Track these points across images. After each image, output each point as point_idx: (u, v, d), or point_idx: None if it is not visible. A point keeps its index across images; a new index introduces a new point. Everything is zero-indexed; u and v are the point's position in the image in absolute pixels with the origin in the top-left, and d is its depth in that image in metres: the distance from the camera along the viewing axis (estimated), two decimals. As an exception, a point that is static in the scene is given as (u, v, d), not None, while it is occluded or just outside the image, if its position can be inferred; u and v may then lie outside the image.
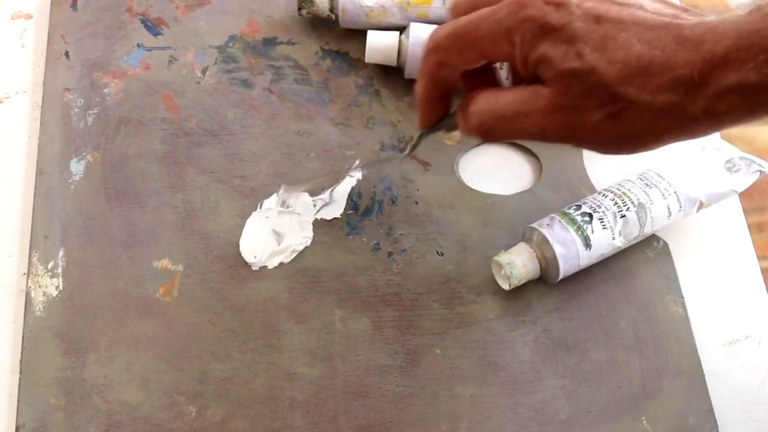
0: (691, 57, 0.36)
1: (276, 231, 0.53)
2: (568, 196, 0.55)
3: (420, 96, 0.44)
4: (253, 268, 0.51)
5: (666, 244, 0.54)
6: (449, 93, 0.44)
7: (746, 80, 0.35)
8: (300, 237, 0.52)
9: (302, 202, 0.54)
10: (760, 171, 0.54)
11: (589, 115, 0.38)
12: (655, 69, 0.36)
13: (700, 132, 0.38)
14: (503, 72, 0.49)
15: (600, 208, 0.51)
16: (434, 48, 0.41)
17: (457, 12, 0.42)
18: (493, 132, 0.41)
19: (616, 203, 0.51)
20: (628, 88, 0.37)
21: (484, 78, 0.44)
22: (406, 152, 0.50)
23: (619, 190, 0.52)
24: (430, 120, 0.45)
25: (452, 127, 0.45)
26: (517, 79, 0.43)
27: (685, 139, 0.39)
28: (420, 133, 0.48)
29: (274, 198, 0.54)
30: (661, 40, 0.36)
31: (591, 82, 0.37)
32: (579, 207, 0.51)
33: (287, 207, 0.53)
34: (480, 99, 0.41)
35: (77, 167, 0.54)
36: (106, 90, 0.57)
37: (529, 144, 0.57)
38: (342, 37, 0.61)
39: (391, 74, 0.59)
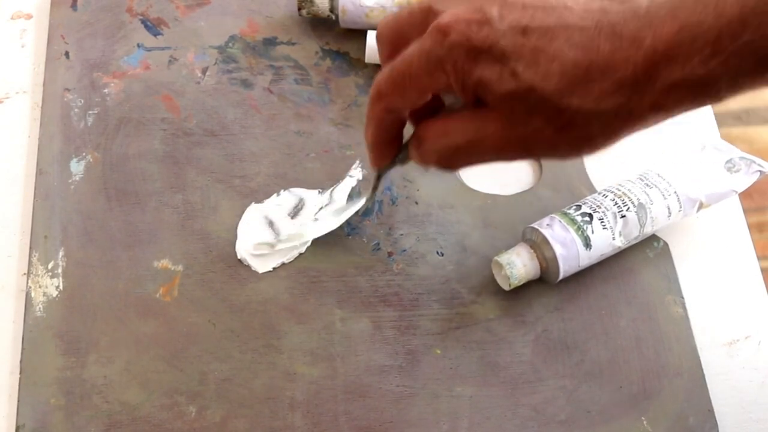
0: (630, 56, 0.34)
1: (272, 225, 0.53)
2: (568, 196, 0.55)
3: (371, 142, 0.43)
4: (253, 269, 0.51)
5: (666, 244, 0.54)
6: (399, 133, 0.43)
7: (692, 75, 0.34)
8: (296, 231, 0.52)
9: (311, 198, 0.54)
10: (760, 171, 0.54)
11: (540, 131, 0.37)
12: (595, 75, 0.35)
13: (653, 123, 0.37)
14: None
15: (600, 208, 0.51)
16: (377, 96, 0.40)
17: (382, 39, 0.41)
18: (452, 164, 0.41)
19: (616, 203, 0.51)
20: (570, 99, 0.35)
21: (427, 104, 0.43)
22: (370, 197, 0.49)
23: (619, 190, 0.52)
24: (385, 161, 0.45)
25: (407, 159, 0.44)
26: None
27: (641, 130, 0.37)
28: (378, 174, 0.47)
29: (273, 198, 0.54)
30: (594, 42, 0.35)
31: (532, 100, 0.36)
32: (579, 207, 0.52)
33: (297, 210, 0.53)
34: (430, 134, 0.40)
35: (77, 167, 0.54)
36: (106, 90, 0.57)
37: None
38: (342, 37, 0.61)
39: (391, 74, 0.59)
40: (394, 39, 0.40)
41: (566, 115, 0.36)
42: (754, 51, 0.33)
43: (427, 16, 0.38)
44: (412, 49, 0.38)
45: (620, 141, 0.38)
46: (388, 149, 0.44)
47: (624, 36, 0.34)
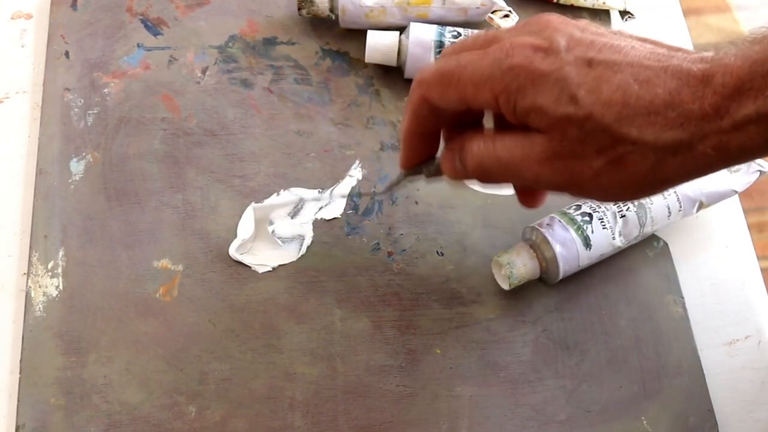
0: (698, 92, 0.34)
1: (272, 225, 0.53)
2: (568, 196, 0.55)
3: (404, 129, 0.43)
4: (253, 269, 0.51)
5: (666, 244, 0.54)
6: (434, 134, 0.43)
7: (765, 108, 0.33)
8: (296, 232, 0.52)
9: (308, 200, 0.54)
10: (760, 171, 0.54)
11: (588, 162, 0.36)
12: (659, 107, 0.34)
13: (707, 171, 0.36)
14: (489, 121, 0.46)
15: (600, 207, 0.51)
16: (419, 82, 0.40)
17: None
18: (489, 173, 0.40)
19: (616, 203, 0.51)
20: (629, 128, 0.35)
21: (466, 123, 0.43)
22: (383, 191, 0.49)
23: (619, 190, 0.52)
24: (413, 159, 0.44)
25: (435, 173, 0.44)
26: (504, 127, 0.42)
27: (690, 180, 0.37)
28: (400, 174, 0.46)
29: (273, 198, 0.54)
30: (661, 78, 0.35)
31: (588, 127, 0.35)
32: (579, 207, 0.51)
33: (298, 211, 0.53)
34: (477, 140, 0.40)
35: (77, 167, 0.54)
36: (106, 90, 0.57)
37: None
38: (342, 37, 0.61)
39: (391, 74, 0.59)
40: None
41: (621, 147, 0.35)
42: None
43: (491, 44, 0.38)
44: (470, 56, 0.38)
45: (666, 189, 0.37)
46: (420, 146, 0.43)
47: (691, 74, 0.34)
